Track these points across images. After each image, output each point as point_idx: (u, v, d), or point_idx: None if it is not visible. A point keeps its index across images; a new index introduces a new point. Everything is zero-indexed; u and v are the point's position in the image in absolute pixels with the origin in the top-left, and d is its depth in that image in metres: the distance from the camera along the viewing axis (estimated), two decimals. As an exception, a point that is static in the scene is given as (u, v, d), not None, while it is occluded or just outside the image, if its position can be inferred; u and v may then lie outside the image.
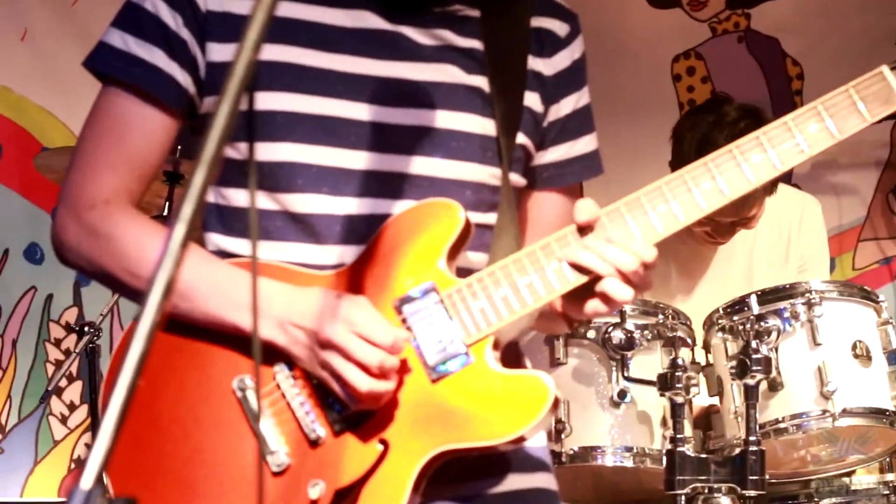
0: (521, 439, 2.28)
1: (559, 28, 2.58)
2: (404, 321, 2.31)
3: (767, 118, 4.29)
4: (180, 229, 1.46)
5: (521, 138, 2.51)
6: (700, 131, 4.53)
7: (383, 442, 2.28)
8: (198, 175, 1.47)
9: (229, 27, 2.38)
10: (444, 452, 2.27)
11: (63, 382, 5.40)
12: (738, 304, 4.04)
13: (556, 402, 2.28)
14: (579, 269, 2.30)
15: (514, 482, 2.48)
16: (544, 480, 2.55)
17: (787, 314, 3.95)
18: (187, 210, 1.46)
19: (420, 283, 2.33)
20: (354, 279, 2.35)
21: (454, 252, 2.35)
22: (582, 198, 2.36)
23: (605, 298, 2.32)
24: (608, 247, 2.29)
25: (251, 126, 2.20)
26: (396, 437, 2.28)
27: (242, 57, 1.54)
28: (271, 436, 2.31)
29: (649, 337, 4.03)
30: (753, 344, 3.76)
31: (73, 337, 5.01)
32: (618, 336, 3.94)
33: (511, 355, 2.47)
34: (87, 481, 1.36)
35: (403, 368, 2.28)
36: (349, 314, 2.22)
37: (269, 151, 2.39)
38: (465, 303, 2.31)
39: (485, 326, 2.31)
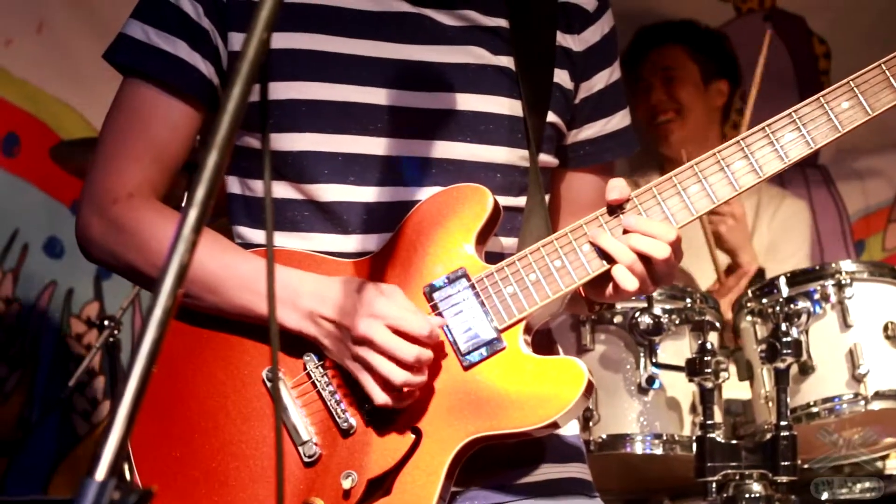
0: (555, 426, 2.27)
1: (588, 3, 2.56)
2: (434, 308, 2.31)
3: None
4: (193, 213, 1.43)
5: (552, 117, 2.48)
6: None
7: (416, 430, 2.27)
8: (210, 158, 1.45)
9: (250, 16, 2.35)
10: (478, 439, 2.27)
11: (85, 378, 5.38)
12: (767, 287, 3.99)
13: (591, 388, 2.26)
14: (607, 254, 2.29)
15: (548, 472, 2.47)
16: (578, 470, 2.53)
17: (817, 296, 3.89)
18: (200, 194, 1.43)
19: (450, 270, 2.32)
20: (382, 266, 2.34)
21: (484, 237, 2.34)
22: (615, 177, 2.35)
23: (614, 286, 2.31)
24: (634, 235, 2.27)
25: (264, 114, 2.19)
26: (429, 425, 2.27)
27: (254, 37, 1.51)
28: (302, 426, 2.30)
29: (677, 321, 3.98)
30: (783, 327, 3.72)
31: (95, 332, 4.99)
32: (645, 321, 3.89)
33: (543, 342, 2.45)
34: (100, 472, 1.33)
35: (436, 356, 2.27)
36: (382, 308, 2.21)
37: (294, 141, 2.38)
38: (497, 288, 2.30)
39: (517, 312, 2.30)
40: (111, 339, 4.72)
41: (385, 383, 2.22)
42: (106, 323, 4.71)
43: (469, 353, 2.29)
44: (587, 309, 2.53)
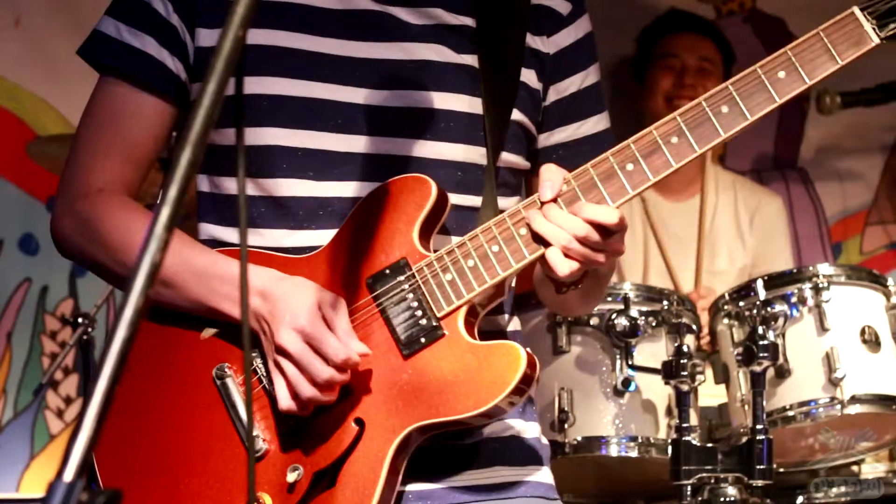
0: (498, 410, 2.26)
1: (561, 6, 2.55)
2: (376, 298, 2.32)
3: None
4: (166, 211, 1.41)
5: (517, 115, 2.47)
6: None
7: (359, 421, 2.28)
8: (184, 156, 1.43)
9: (218, 12, 2.38)
10: (420, 428, 2.27)
11: (59, 376, 5.35)
12: (744, 290, 3.99)
13: (533, 369, 2.24)
14: (541, 237, 2.28)
15: (506, 474, 2.45)
16: (538, 473, 2.50)
17: (794, 299, 3.89)
18: (173, 192, 1.42)
19: (392, 260, 2.32)
20: (329, 261, 2.35)
21: (428, 226, 2.34)
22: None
23: (547, 268, 2.29)
24: (562, 215, 2.25)
25: (240, 112, 2.17)
26: (373, 415, 2.28)
27: (229, 33, 1.49)
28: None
29: (654, 324, 3.97)
30: (760, 330, 3.71)
31: (70, 329, 4.97)
32: (622, 323, 3.89)
33: (493, 330, 2.45)
34: (69, 473, 1.31)
35: (376, 345, 2.29)
36: (307, 324, 2.22)
37: (254, 136, 2.39)
38: (437, 276, 2.30)
39: (455, 299, 2.30)
40: (85, 337, 4.70)
41: (293, 393, 2.24)
42: (80, 320, 4.69)
43: (409, 342, 2.29)
44: (554, 289, 2.43)
